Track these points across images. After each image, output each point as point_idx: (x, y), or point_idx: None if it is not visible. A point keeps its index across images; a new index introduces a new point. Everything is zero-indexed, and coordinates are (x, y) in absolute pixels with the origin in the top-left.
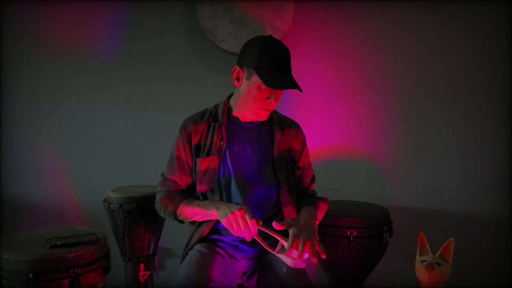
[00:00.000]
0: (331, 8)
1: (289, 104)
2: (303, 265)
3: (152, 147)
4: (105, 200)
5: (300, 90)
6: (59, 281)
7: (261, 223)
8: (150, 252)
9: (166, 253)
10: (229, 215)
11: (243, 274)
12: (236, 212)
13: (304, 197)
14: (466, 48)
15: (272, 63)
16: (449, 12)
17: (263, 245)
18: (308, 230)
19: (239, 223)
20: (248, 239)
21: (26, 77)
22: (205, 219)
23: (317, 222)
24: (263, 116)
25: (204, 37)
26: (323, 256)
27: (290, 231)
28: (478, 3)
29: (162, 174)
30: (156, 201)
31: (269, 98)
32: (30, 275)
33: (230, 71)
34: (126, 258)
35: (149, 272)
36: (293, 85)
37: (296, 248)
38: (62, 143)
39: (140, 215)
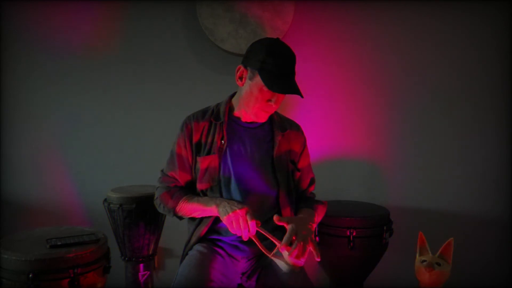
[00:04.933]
0: (331, 8)
1: (289, 104)
2: (296, 270)
3: (152, 147)
4: (105, 200)
5: (302, 96)
6: (59, 281)
7: (259, 225)
8: (150, 252)
9: (166, 253)
10: (230, 213)
11: (243, 274)
12: (238, 211)
13: (303, 199)
14: (466, 48)
15: (276, 67)
16: (449, 12)
17: (260, 247)
18: (306, 230)
19: (239, 222)
20: (245, 238)
21: (26, 77)
22: (204, 215)
23: (315, 225)
24: (263, 118)
25: (204, 37)
26: (318, 259)
27: (289, 227)
28: (478, 3)
29: (162, 171)
30: (155, 197)
31: (269, 100)
32: (30, 275)
33: (230, 71)
34: (126, 258)
35: (149, 272)
36: (295, 90)
37: (291, 245)
38: (62, 143)
39: (140, 215)
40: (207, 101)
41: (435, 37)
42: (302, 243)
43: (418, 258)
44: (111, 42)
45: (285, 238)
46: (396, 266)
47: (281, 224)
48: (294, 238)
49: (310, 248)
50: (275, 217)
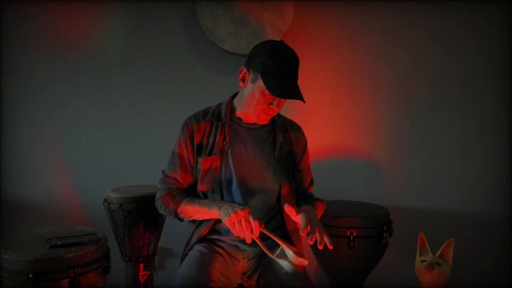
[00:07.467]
0: (331, 8)
1: (289, 104)
2: (301, 271)
3: (152, 147)
4: (105, 200)
5: (303, 101)
6: (59, 281)
7: (262, 226)
8: (150, 252)
9: (166, 253)
10: (232, 214)
11: (243, 274)
12: (239, 212)
13: (302, 198)
14: (466, 48)
15: (278, 70)
16: (450, 12)
17: (263, 248)
18: (317, 221)
19: (241, 223)
20: (249, 241)
21: (26, 77)
22: (205, 218)
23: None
24: (264, 120)
25: (204, 37)
26: (331, 247)
27: (303, 216)
28: (478, 3)
29: (163, 171)
30: (156, 198)
31: (271, 104)
32: (30, 275)
33: (230, 71)
34: (126, 258)
35: (149, 272)
36: (297, 95)
37: (310, 232)
38: (62, 143)
39: (140, 215)
40: (207, 101)
41: (436, 37)
42: (318, 229)
43: (418, 258)
44: (110, 42)
45: (303, 223)
46: (396, 266)
47: (293, 212)
48: (311, 224)
49: (324, 235)
50: (286, 206)
